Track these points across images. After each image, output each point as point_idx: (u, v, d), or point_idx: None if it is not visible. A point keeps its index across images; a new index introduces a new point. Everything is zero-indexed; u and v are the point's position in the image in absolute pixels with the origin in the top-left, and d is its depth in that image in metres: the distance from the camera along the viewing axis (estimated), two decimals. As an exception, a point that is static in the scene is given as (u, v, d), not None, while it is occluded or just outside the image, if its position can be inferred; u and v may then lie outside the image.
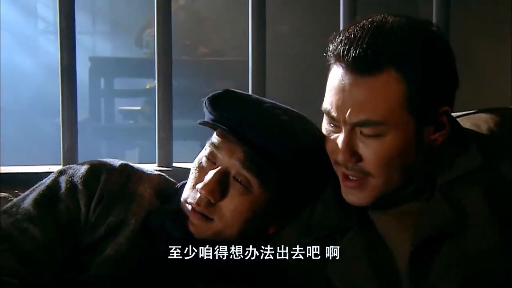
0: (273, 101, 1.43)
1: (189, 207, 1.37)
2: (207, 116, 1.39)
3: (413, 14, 1.33)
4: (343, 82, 1.24)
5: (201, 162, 1.40)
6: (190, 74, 4.77)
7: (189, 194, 1.38)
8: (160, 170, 1.63)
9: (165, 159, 1.92)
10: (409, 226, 1.31)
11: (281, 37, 5.05)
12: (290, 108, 1.44)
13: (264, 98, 1.46)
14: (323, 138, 1.34)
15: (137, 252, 1.38)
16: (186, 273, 1.38)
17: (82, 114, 5.54)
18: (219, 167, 1.36)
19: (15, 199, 1.40)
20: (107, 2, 7.25)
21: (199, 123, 1.40)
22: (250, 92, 1.94)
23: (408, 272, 1.30)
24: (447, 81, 1.28)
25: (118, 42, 6.84)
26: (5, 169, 1.87)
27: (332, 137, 1.30)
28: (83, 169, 1.42)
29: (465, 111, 1.46)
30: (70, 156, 1.87)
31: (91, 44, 7.55)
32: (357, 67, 1.22)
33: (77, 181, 1.39)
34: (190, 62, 5.03)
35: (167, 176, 1.53)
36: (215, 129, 1.40)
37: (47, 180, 1.41)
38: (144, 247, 1.39)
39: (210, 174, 1.35)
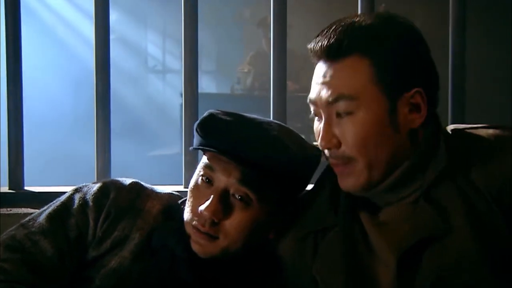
0: (257, 116, 1.48)
1: (194, 228, 1.42)
2: (199, 141, 1.44)
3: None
4: (320, 72, 1.35)
5: (198, 184, 1.45)
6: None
7: (192, 216, 1.43)
8: (186, 192, 1.71)
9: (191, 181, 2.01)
10: (396, 234, 1.35)
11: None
12: (276, 121, 1.50)
13: (247, 115, 1.49)
14: (311, 146, 1.43)
15: (140, 266, 1.44)
16: (189, 287, 1.42)
17: (174, 148, 5.74)
18: (218, 188, 1.41)
19: (34, 214, 1.49)
20: (213, 42, 7.51)
21: (192, 149, 1.46)
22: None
23: (395, 277, 1.33)
24: (417, 64, 1.35)
25: (221, 79, 7.06)
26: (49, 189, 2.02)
27: (318, 127, 1.38)
28: (95, 187, 1.50)
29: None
30: (103, 176, 1.98)
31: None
32: (327, 55, 1.34)
33: (89, 198, 1.47)
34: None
35: (179, 195, 1.59)
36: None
37: (63, 197, 1.50)
38: (147, 262, 1.44)
39: (211, 195, 1.41)
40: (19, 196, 1.96)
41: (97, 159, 1.99)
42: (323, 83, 1.34)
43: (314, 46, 1.36)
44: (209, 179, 1.43)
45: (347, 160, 1.34)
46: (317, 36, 1.37)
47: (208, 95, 6.40)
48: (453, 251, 1.31)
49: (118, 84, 6.43)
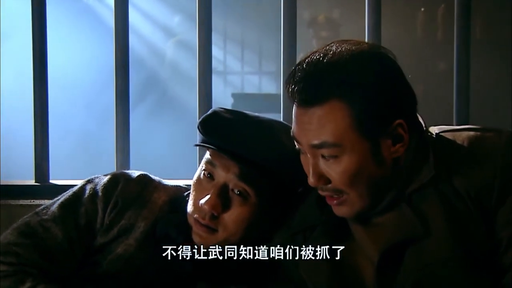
0: (260, 115, 1.54)
1: (195, 221, 1.50)
2: (201, 138, 1.52)
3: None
4: (297, 115, 1.37)
5: (200, 179, 1.52)
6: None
7: (193, 209, 1.51)
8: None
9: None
10: (379, 236, 1.39)
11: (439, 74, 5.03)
12: (278, 120, 1.56)
13: (250, 113, 1.54)
14: None
15: (144, 253, 1.53)
16: (189, 275, 1.51)
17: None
18: (218, 183, 1.48)
19: (48, 203, 1.60)
20: (274, 44, 7.54)
21: (195, 145, 1.53)
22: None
23: (375, 278, 1.38)
24: (394, 98, 1.34)
25: (280, 80, 7.10)
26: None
27: (305, 161, 1.41)
28: (106, 179, 1.60)
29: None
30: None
31: (257, 82, 7.92)
32: (303, 103, 1.35)
33: (99, 188, 1.57)
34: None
35: (185, 188, 1.65)
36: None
37: (76, 187, 1.61)
38: (151, 249, 1.53)
39: (211, 190, 1.48)
40: (44, 188, 2.10)
41: (116, 153, 2.10)
42: (305, 128, 1.36)
43: (289, 90, 1.36)
44: (210, 174, 1.50)
45: (338, 193, 1.38)
46: (291, 77, 1.36)
47: (268, 96, 6.47)
48: (432, 253, 1.34)
49: (180, 86, 6.56)
